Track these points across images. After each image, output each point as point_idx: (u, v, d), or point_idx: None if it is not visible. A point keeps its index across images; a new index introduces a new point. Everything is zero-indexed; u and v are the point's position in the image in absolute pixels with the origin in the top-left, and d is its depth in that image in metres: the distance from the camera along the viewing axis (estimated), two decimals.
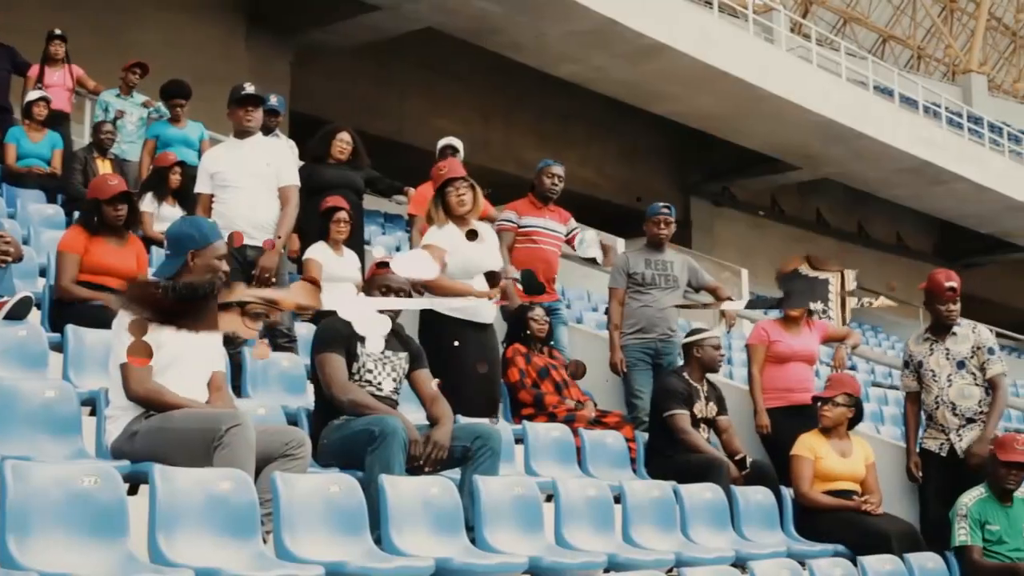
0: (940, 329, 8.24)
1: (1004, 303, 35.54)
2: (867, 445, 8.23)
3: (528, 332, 8.52)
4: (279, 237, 7.73)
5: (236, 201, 7.72)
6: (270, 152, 7.92)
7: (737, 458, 8.03)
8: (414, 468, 5.94)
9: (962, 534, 7.45)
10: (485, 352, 7.69)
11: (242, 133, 7.88)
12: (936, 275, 8.30)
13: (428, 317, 7.73)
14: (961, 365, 8.12)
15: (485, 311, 7.73)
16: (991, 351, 8.19)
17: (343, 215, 8.97)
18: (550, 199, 9.50)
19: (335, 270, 8.91)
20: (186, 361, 5.55)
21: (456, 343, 7.51)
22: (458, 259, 7.60)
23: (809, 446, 7.96)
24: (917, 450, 8.33)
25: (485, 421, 6.94)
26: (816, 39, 26.91)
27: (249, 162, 7.79)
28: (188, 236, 5.76)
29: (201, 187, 7.89)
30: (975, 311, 8.47)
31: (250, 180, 7.73)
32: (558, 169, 9.50)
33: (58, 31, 12.71)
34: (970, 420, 8.07)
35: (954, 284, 8.17)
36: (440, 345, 7.55)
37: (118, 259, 7.67)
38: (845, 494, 7.89)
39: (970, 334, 8.21)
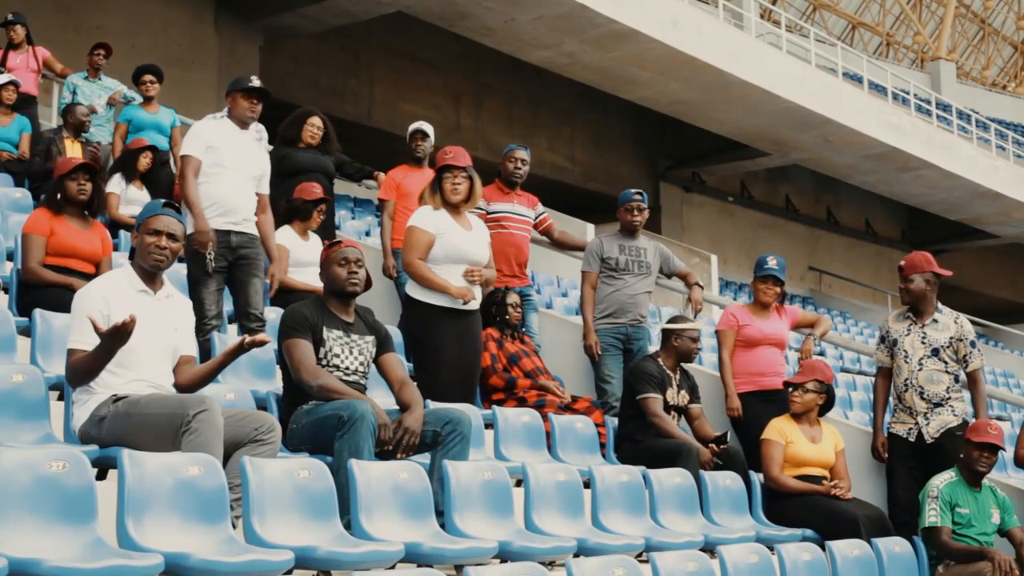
0: (920, 311, 8.27)
1: (972, 289, 35.71)
2: (837, 432, 8.26)
3: (505, 317, 8.54)
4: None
5: (227, 183, 7.67)
6: (261, 153, 7.95)
7: (717, 434, 8.06)
8: (383, 452, 5.93)
9: (932, 515, 7.49)
10: (464, 339, 7.69)
11: (242, 122, 7.85)
12: None
13: (410, 303, 7.76)
14: (935, 352, 8.15)
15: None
16: (973, 344, 8.24)
17: (324, 207, 9.07)
18: (516, 183, 9.53)
19: (301, 255, 8.92)
20: (147, 346, 5.53)
21: (434, 331, 7.57)
22: (445, 245, 7.64)
23: (779, 430, 7.99)
24: (885, 434, 8.37)
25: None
26: (786, 25, 26.91)
27: (246, 152, 7.79)
28: (136, 220, 5.85)
29: (194, 151, 7.67)
30: (943, 297, 8.46)
31: (243, 168, 7.72)
32: (522, 153, 9.53)
33: (10, 16, 12.55)
34: (937, 405, 8.11)
35: (901, 263, 8.30)
36: (419, 330, 7.60)
37: (83, 241, 7.65)
38: (814, 480, 7.92)
39: (951, 324, 8.24)
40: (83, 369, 5.40)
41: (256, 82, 7.80)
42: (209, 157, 7.66)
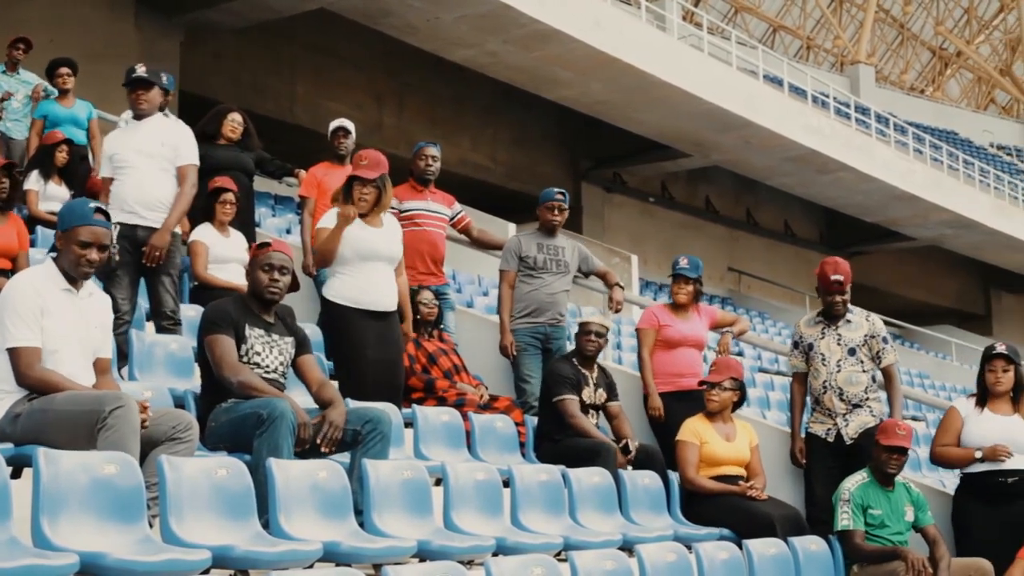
0: (831, 315, 8.33)
1: (889, 291, 36.13)
2: (751, 428, 8.33)
3: (417, 316, 8.50)
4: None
5: (127, 181, 7.70)
6: (166, 132, 7.89)
7: (621, 444, 8.06)
8: (303, 452, 5.91)
9: (844, 519, 7.56)
10: (384, 340, 7.65)
11: (138, 115, 7.84)
12: (824, 266, 8.36)
13: (327, 305, 7.71)
14: (852, 352, 8.23)
15: (384, 300, 7.67)
16: (885, 340, 8.33)
17: (229, 196, 8.93)
18: (429, 181, 9.51)
19: (222, 251, 8.87)
20: (71, 345, 5.47)
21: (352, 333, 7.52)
22: (351, 241, 7.58)
23: (694, 431, 8.04)
24: (803, 434, 8.44)
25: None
26: (707, 27, 27.08)
27: (143, 142, 7.77)
28: (61, 216, 5.72)
29: (103, 171, 7.89)
30: (860, 299, 8.57)
31: (141, 160, 7.71)
32: (432, 150, 9.52)
33: None
34: (856, 406, 8.19)
35: (839, 278, 8.24)
36: (338, 332, 7.56)
37: None
38: (731, 479, 7.98)
39: (863, 322, 8.33)
40: (50, 387, 5.30)
41: (139, 71, 7.78)
42: (113, 165, 7.79)
